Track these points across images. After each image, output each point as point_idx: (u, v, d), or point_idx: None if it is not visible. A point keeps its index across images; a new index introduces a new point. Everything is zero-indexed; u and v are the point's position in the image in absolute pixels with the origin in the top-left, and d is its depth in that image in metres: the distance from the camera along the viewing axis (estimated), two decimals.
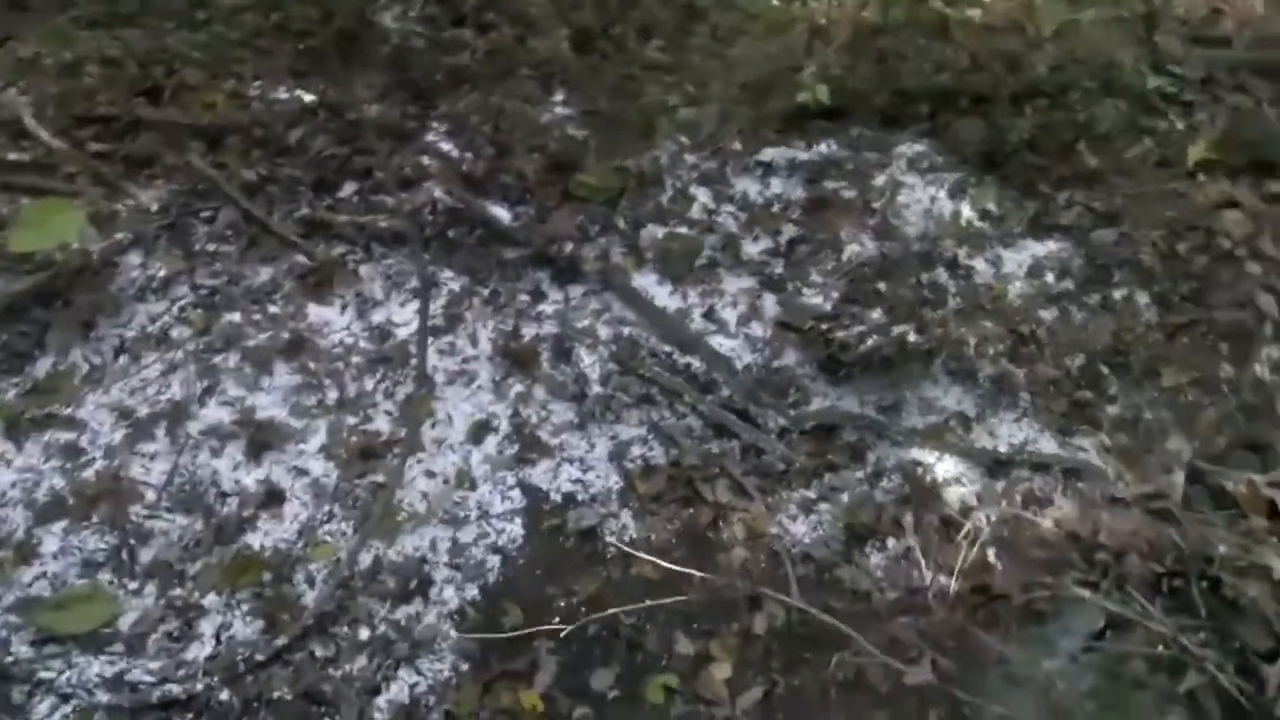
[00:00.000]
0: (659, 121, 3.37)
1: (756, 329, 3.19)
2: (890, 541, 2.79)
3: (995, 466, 2.91)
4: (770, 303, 3.24)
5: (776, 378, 3.08)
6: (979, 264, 3.24)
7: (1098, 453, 2.94)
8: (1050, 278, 3.19)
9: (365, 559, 2.74)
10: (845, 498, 2.88)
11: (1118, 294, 3.14)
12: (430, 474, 2.91)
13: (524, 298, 3.27)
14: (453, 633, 2.62)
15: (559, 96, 3.91)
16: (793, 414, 3.03)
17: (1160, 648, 1.46)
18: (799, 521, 2.85)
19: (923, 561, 2.76)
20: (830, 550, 2.78)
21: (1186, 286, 3.13)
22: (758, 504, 2.86)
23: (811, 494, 2.91)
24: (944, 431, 2.99)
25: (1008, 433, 2.98)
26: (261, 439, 2.98)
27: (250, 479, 2.93)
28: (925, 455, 2.94)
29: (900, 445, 2.96)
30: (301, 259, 3.35)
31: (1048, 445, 2.95)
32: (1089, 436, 2.95)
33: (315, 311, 3.26)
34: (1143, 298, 3.14)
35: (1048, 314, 3.14)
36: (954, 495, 2.88)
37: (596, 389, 3.07)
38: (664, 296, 3.26)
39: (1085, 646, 1.49)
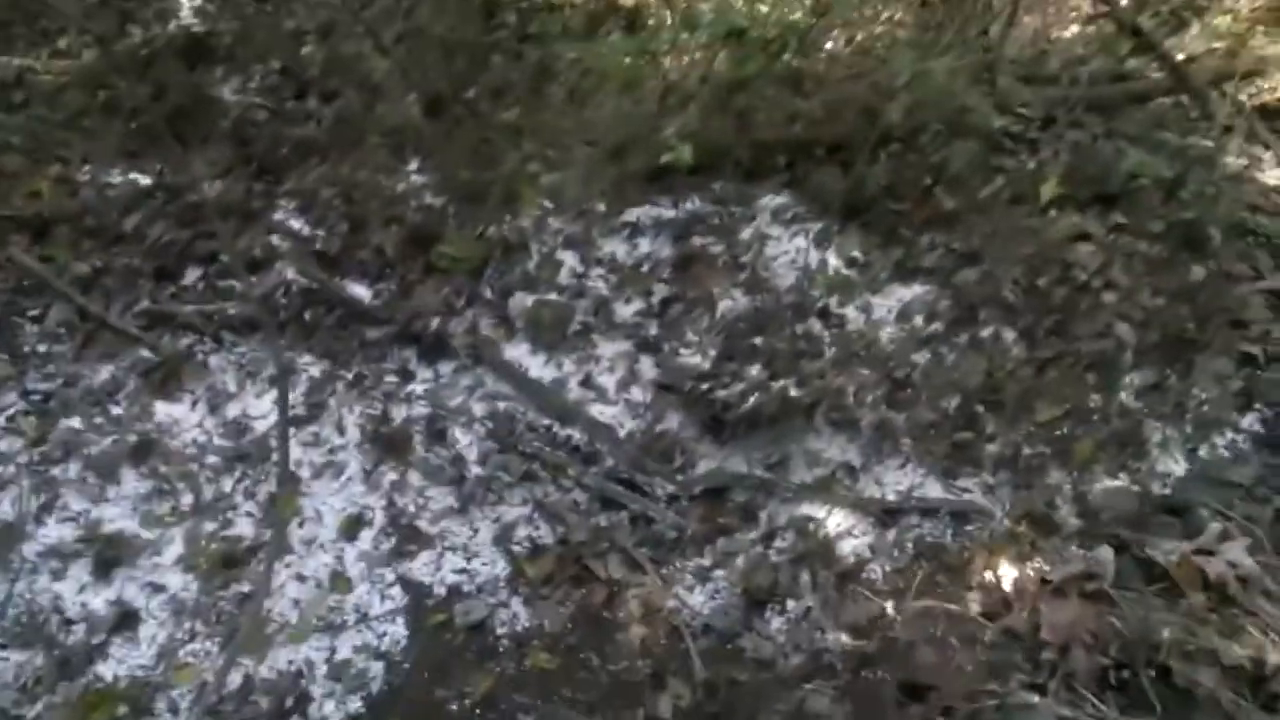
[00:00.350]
0: (522, 188, 3.28)
1: (636, 393, 3.10)
2: (790, 603, 2.73)
3: (885, 515, 2.89)
4: (648, 365, 3.15)
5: (660, 443, 2.99)
6: (850, 311, 3.23)
7: (982, 492, 2.97)
8: (919, 320, 3.21)
9: (234, 679, 2.51)
10: (740, 562, 2.81)
11: (985, 332, 3.18)
12: (301, 578, 2.70)
13: (391, 379, 3.09)
14: None
15: (413, 165, 3.76)
16: (680, 479, 2.94)
17: None
18: (696, 591, 2.76)
19: (824, 622, 2.73)
20: (730, 618, 2.70)
21: (1050, 320, 3.19)
22: (652, 577, 2.76)
23: (706, 561, 2.83)
24: (832, 484, 2.95)
25: (893, 480, 2.96)
26: (110, 555, 2.72)
27: (99, 600, 2.66)
28: (816, 510, 2.90)
29: (790, 502, 2.91)
30: (145, 354, 3.09)
31: (933, 489, 2.94)
32: (972, 477, 2.97)
33: (163, 410, 3.01)
34: (1009, 334, 3.19)
35: (920, 357, 3.14)
36: (848, 549, 2.84)
37: (475, 470, 2.92)
38: (538, 367, 3.14)
39: None
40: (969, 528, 2.88)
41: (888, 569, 2.81)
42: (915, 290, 3.28)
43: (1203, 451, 2.97)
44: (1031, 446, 3.00)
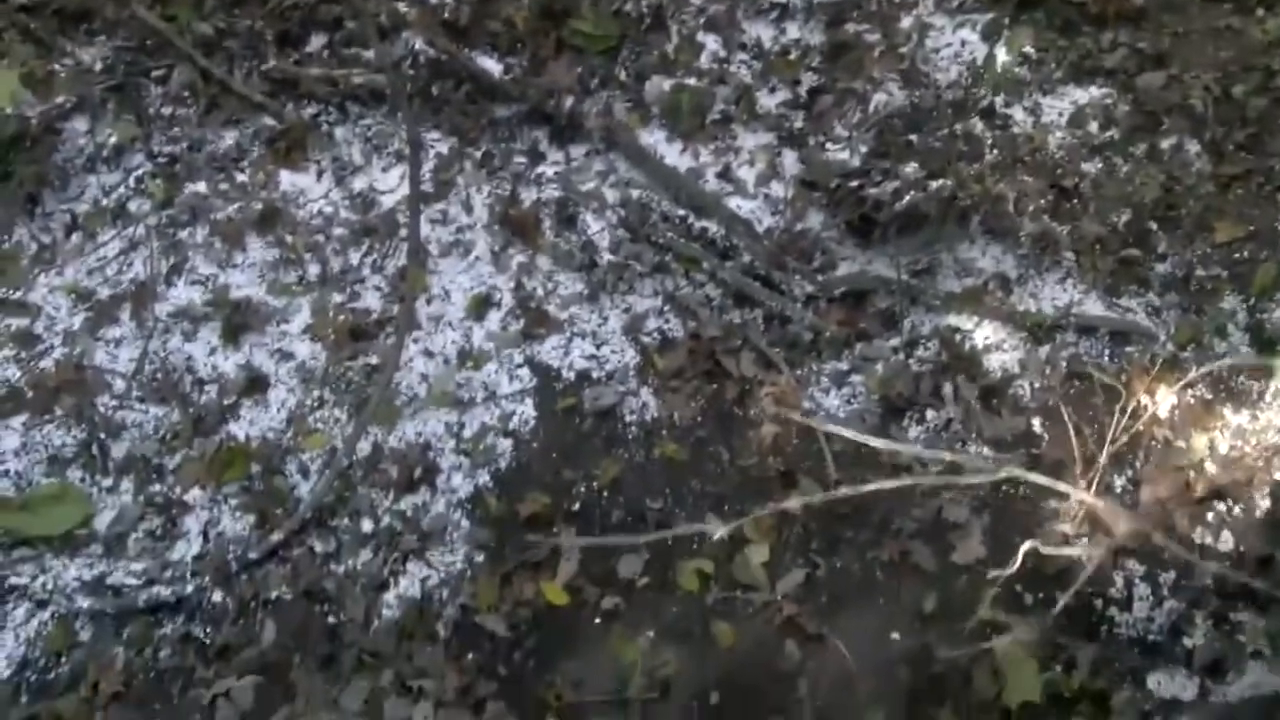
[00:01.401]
0: None
1: (777, 189, 2.91)
2: (929, 414, 2.61)
3: (1040, 330, 2.72)
4: (791, 160, 2.95)
5: (801, 241, 2.83)
6: (1016, 113, 2.97)
7: (1146, 314, 2.76)
8: (1094, 126, 2.93)
9: (364, 447, 2.52)
10: (879, 368, 2.68)
11: (1166, 143, 2.90)
12: (429, 354, 2.66)
13: (520, 159, 2.96)
14: (465, 522, 2.43)
15: None
16: (820, 279, 2.78)
17: None
18: (831, 395, 2.65)
19: (965, 435, 2.61)
20: (866, 424, 2.59)
21: (1242, 134, 2.88)
22: (786, 377, 2.65)
23: (843, 365, 2.70)
24: (982, 295, 2.76)
25: (1051, 295, 2.76)
26: (238, 321, 2.71)
27: (229, 364, 2.67)
28: (963, 321, 2.73)
29: (937, 310, 2.74)
30: (269, 121, 3.00)
31: (1094, 307, 2.74)
32: (1138, 297, 2.75)
33: (288, 179, 2.94)
34: (1193, 146, 2.90)
35: (1091, 166, 2.89)
36: (995, 363, 2.68)
37: (606, 258, 2.80)
38: (674, 155, 2.96)
39: None
40: (1129, 349, 2.70)
41: (1036, 386, 2.65)
42: (1092, 92, 2.98)
43: None
44: (1206, 269, 2.76)
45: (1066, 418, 2.50)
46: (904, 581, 2.37)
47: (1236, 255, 2.78)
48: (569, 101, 2.96)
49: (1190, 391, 2.61)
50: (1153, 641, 2.30)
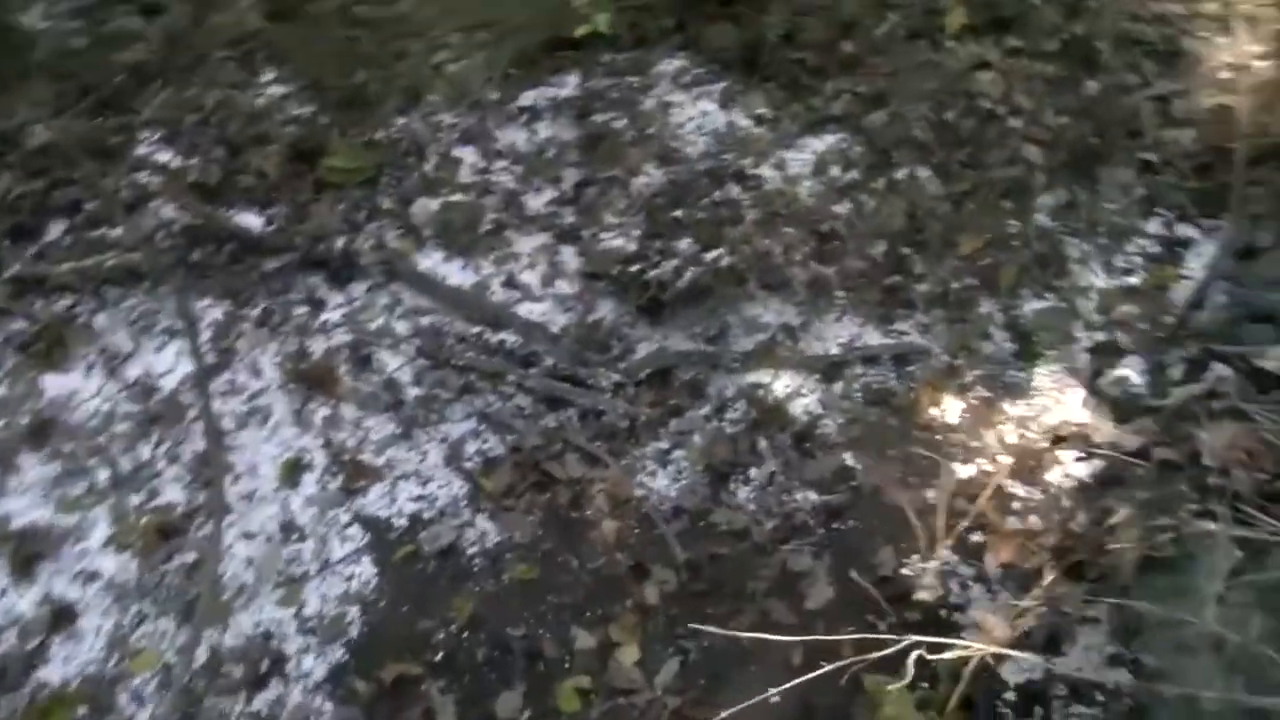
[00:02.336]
0: (431, 81, 3.02)
1: (563, 286, 2.96)
2: (753, 471, 2.71)
3: (830, 369, 2.89)
4: (570, 255, 3.01)
5: (597, 333, 2.89)
6: (766, 170, 3.14)
7: (918, 332, 2.97)
8: (836, 170, 3.15)
9: (199, 653, 2.37)
10: (697, 439, 2.76)
11: (901, 174, 3.15)
12: (248, 536, 2.54)
13: (301, 310, 2.88)
14: (328, 705, 2.32)
15: (268, 75, 3.45)
16: (623, 366, 2.85)
17: None
18: (659, 475, 2.71)
19: (789, 484, 2.73)
20: (698, 496, 2.67)
21: (961, 153, 3.17)
22: (613, 469, 2.69)
23: (663, 444, 2.77)
24: (774, 347, 2.91)
25: (833, 333, 2.93)
26: (27, 551, 2.49)
27: (25, 602, 2.44)
28: (763, 375, 2.86)
29: (736, 371, 2.86)
30: (19, 325, 2.80)
31: (872, 337, 2.93)
32: (907, 319, 2.96)
33: (54, 383, 2.73)
34: (924, 172, 3.16)
35: (841, 208, 3.09)
36: (799, 408, 2.82)
37: (411, 392, 2.77)
38: (456, 273, 2.97)
39: (1229, 585, 1.39)
40: (911, 368, 2.90)
41: (840, 421, 2.81)
42: (827, 140, 3.21)
43: (1118, 260, 3.06)
44: (959, 280, 3.01)
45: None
46: (769, 641, 2.39)
47: (982, 263, 3.04)
48: (339, 241, 2.91)
49: (969, 395, 2.86)
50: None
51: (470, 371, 2.81)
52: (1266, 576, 1.30)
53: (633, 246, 2.98)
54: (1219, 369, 1.53)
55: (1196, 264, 2.93)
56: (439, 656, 2.38)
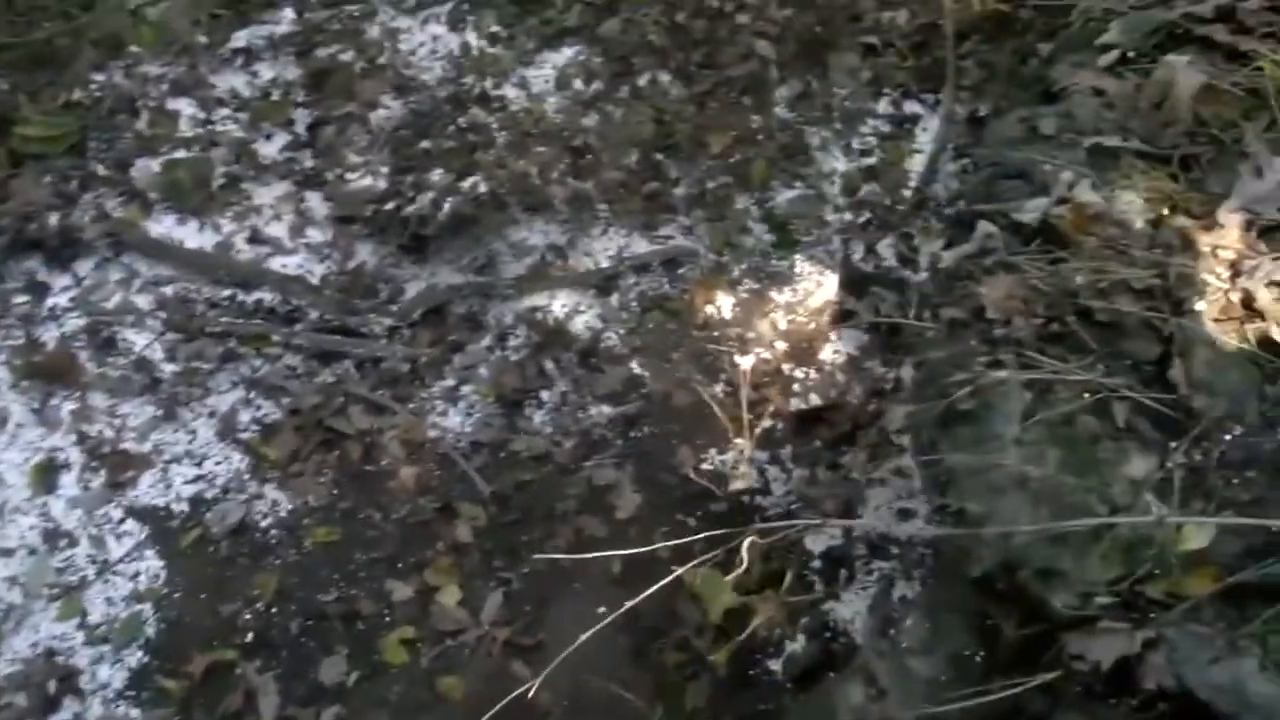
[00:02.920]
0: (129, 31, 2.72)
1: (315, 234, 2.83)
2: (544, 394, 2.73)
3: (605, 283, 2.92)
4: (317, 201, 2.87)
5: (361, 278, 2.79)
6: (509, 90, 3.10)
7: (682, 235, 3.06)
8: (579, 84, 3.15)
9: None
10: (484, 371, 2.75)
11: (643, 80, 3.19)
12: (7, 553, 2.31)
13: (22, 299, 2.61)
14: (134, 712, 2.17)
15: None
16: (395, 309, 2.78)
17: (1086, 395, 1.52)
18: (451, 414, 2.69)
19: (581, 401, 2.76)
20: (494, 428, 2.67)
21: (698, 54, 3.24)
22: (402, 414, 2.64)
23: (450, 382, 2.74)
24: (545, 269, 2.92)
25: (601, 247, 2.97)
26: None
27: None
28: (538, 298, 2.87)
29: (511, 299, 2.85)
30: None
31: (640, 246, 2.99)
32: (671, 223, 3.03)
33: None
34: (665, 77, 3.21)
35: (590, 120, 3.10)
36: (580, 325, 2.85)
37: (166, 369, 2.58)
38: (193, 236, 2.77)
39: (1023, 426, 1.51)
40: (681, 271, 2.98)
41: (622, 332, 2.86)
42: (566, 53, 3.20)
43: (854, 144, 3.24)
44: (714, 179, 3.10)
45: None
46: (588, 562, 2.42)
47: (733, 160, 3.14)
48: (53, 218, 2.62)
49: (739, 289, 2.99)
50: (795, 509, 2.65)
51: (228, 337, 2.64)
52: (1054, 413, 1.43)
53: (383, 184, 2.88)
54: (985, 227, 1.67)
55: (925, 138, 3.15)
56: (250, 637, 2.28)
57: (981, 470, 1.43)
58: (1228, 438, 1.45)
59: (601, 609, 2.40)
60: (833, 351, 2.86)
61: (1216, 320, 1.53)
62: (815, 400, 2.82)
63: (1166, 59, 1.75)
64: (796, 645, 2.45)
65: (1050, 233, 1.64)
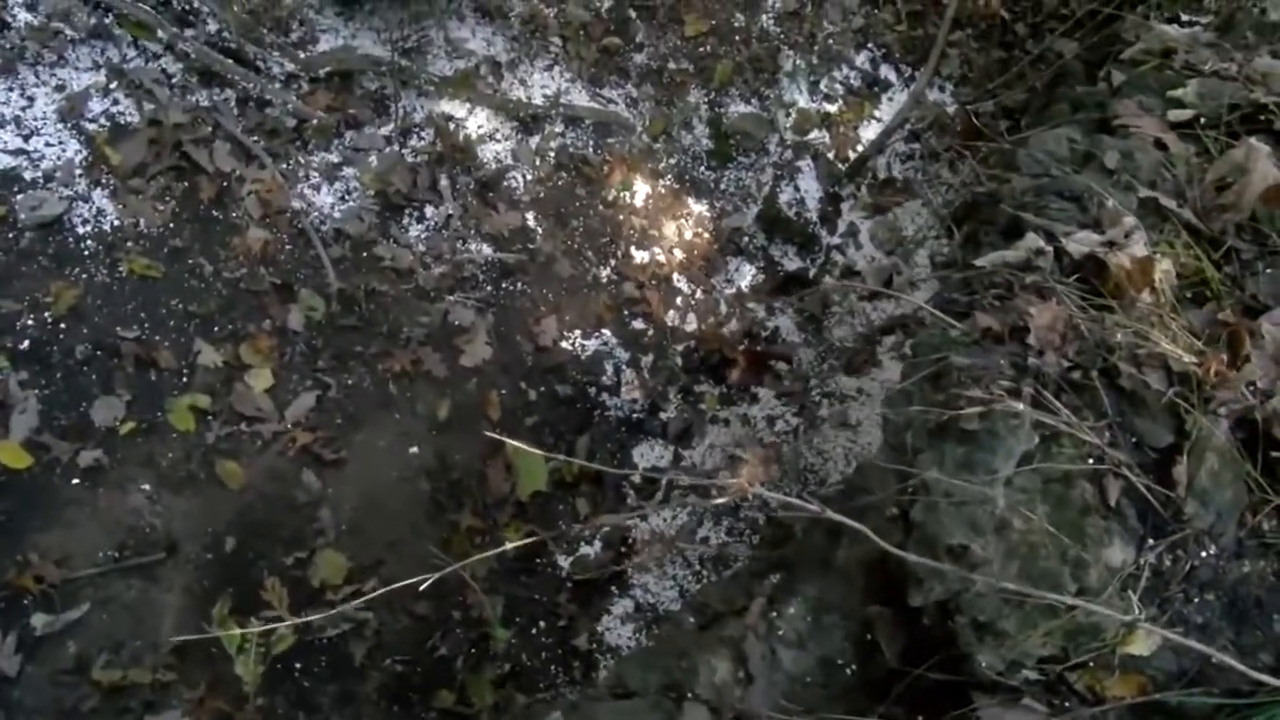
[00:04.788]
0: None
1: None
2: (429, 210, 2.57)
3: (531, 120, 2.75)
4: None
5: (277, 8, 2.51)
6: None
7: (625, 105, 2.92)
8: None
9: None
10: (373, 160, 2.55)
11: None
12: None
13: None
14: None
15: None
16: (301, 57, 2.53)
17: (1090, 460, 1.44)
18: (323, 191, 2.49)
19: (464, 231, 2.60)
20: (364, 224, 2.48)
21: None
22: (271, 171, 2.42)
23: (333, 157, 2.53)
24: (475, 79, 2.72)
25: (540, 82, 2.80)
26: None
27: None
28: (456, 108, 2.68)
29: (429, 96, 2.65)
30: None
31: (579, 97, 2.83)
32: (618, 88, 2.89)
33: None
34: None
35: None
36: (489, 154, 2.69)
37: (22, 18, 2.24)
38: None
39: (1020, 466, 1.42)
40: (610, 140, 2.85)
41: (529, 178, 2.72)
42: None
43: (822, 84, 3.17)
44: (676, 62, 2.97)
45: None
46: (418, 392, 2.39)
47: (702, 50, 3.01)
48: None
49: (660, 182, 2.89)
50: (636, 419, 2.63)
51: (107, 11, 2.32)
52: (1054, 466, 1.38)
53: None
54: (1034, 240, 1.60)
55: (887, 109, 3.10)
56: (25, 345, 2.06)
57: (966, 500, 1.38)
58: (1202, 554, 1.46)
59: (414, 449, 2.38)
60: (724, 280, 2.85)
61: (1234, 431, 1.52)
62: (692, 321, 2.80)
63: (1250, 142, 1.69)
64: (590, 550, 2.50)
65: (1092, 271, 1.59)
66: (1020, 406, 1.33)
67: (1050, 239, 1.51)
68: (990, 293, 1.51)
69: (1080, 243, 1.49)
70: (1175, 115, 1.85)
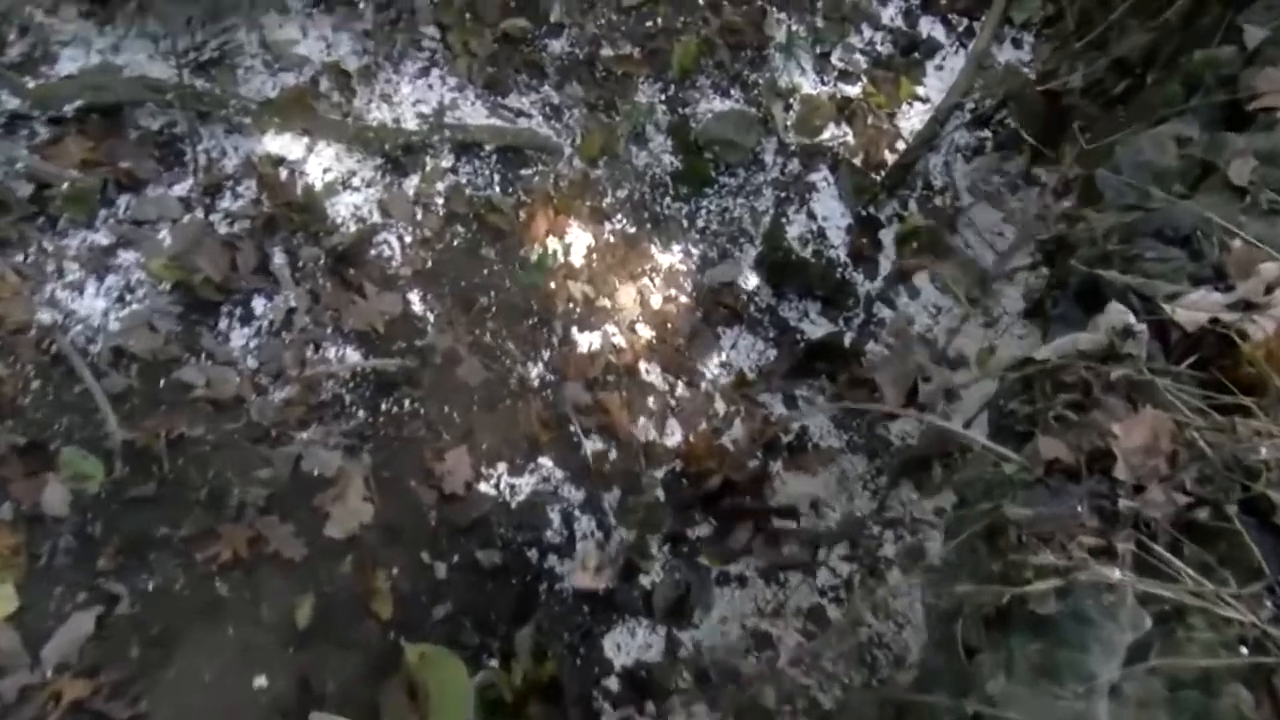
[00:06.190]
0: None
1: None
2: (258, 304, 2.41)
3: (403, 152, 2.63)
4: None
5: None
6: None
7: (544, 118, 2.79)
8: None
9: None
10: (166, 236, 2.41)
11: None
12: None
13: None
14: None
15: None
16: (32, 86, 2.40)
17: (1243, 648, 1.29)
18: (89, 292, 2.34)
19: (317, 334, 2.42)
20: (160, 335, 2.31)
21: None
22: (4, 278, 2.27)
23: (101, 238, 2.39)
24: (311, 99, 2.61)
25: (412, 94, 2.70)
26: None
27: None
28: (287, 144, 2.56)
29: (243, 131, 2.54)
30: None
31: (474, 111, 2.74)
32: (531, 92, 2.79)
33: None
34: None
35: None
36: (343, 209, 2.56)
37: None
38: None
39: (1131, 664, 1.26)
40: (526, 171, 2.74)
41: (407, 240, 2.59)
42: None
43: (835, 57, 3.06)
44: (613, 45, 2.89)
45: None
46: (261, 588, 2.19)
47: (649, 24, 2.93)
48: None
49: (607, 225, 2.75)
50: (604, 592, 2.42)
51: None
52: (1184, 662, 1.22)
53: None
54: (1117, 313, 1.43)
55: (937, 82, 3.04)
56: None
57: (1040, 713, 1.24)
58: None
59: (260, 678, 2.14)
60: (716, 363, 2.73)
61: None
62: (674, 430, 2.68)
63: None
64: None
65: (1218, 349, 1.47)
66: (1116, 574, 1.18)
67: (1148, 306, 1.36)
68: (1059, 400, 1.35)
69: (1194, 308, 1.34)
70: None
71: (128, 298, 2.35)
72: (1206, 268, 1.44)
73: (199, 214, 2.43)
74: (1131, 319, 1.40)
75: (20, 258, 2.30)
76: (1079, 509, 1.28)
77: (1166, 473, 1.27)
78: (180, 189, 2.46)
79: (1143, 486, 1.27)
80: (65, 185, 2.36)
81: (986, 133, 3.00)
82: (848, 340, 2.75)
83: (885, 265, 2.83)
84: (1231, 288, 1.45)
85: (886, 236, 2.86)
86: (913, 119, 2.98)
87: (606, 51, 2.86)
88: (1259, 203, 1.49)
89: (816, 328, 2.74)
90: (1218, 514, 1.27)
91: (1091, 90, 2.72)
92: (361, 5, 2.65)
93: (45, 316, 2.28)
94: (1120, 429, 1.29)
